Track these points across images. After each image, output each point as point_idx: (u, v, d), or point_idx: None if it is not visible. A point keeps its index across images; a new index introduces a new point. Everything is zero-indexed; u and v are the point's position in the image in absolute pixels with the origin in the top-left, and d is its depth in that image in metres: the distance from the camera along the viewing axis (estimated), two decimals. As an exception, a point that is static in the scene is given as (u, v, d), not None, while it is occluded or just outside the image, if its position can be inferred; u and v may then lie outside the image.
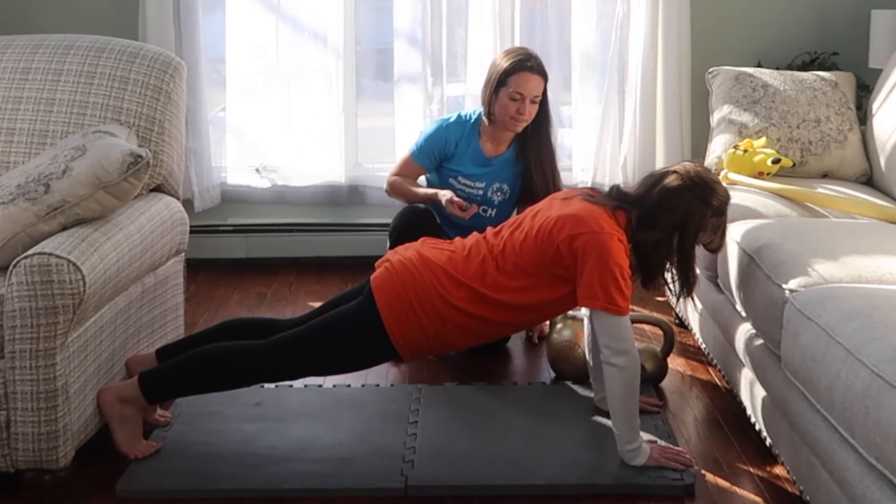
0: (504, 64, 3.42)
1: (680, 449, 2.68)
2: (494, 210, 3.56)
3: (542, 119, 3.51)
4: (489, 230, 2.83)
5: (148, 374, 2.69)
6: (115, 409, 2.66)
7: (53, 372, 2.43)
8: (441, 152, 3.55)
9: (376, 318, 2.66)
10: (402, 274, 2.71)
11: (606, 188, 2.82)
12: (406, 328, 2.67)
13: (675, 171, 2.70)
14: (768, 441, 2.63)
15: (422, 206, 3.53)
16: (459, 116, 3.60)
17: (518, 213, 3.32)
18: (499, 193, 3.55)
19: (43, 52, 3.16)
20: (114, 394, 2.67)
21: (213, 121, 4.58)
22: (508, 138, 3.54)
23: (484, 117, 3.51)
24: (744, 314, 2.75)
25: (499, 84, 3.42)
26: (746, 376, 2.80)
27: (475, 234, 2.84)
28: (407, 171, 3.62)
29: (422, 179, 3.68)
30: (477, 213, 3.48)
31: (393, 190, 3.62)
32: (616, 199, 2.71)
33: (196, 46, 4.42)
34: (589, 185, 4.54)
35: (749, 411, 2.81)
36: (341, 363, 2.75)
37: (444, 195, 3.42)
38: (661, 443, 2.70)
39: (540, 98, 3.44)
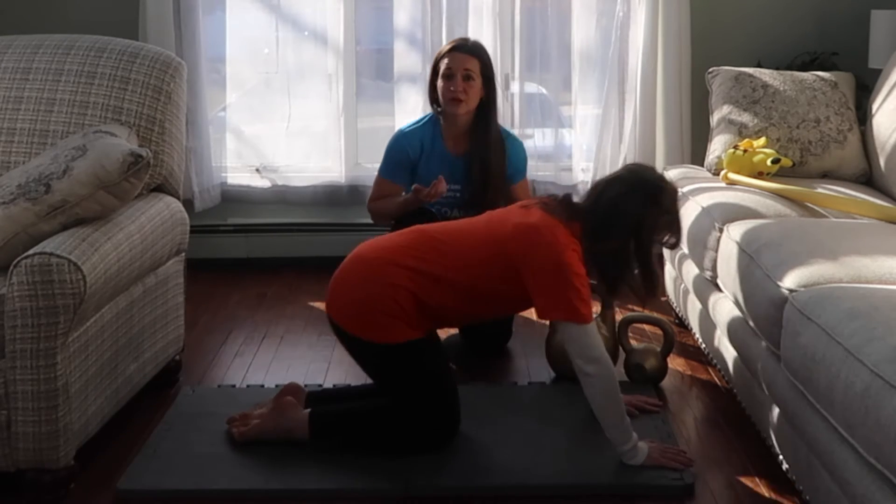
0: (435, 58, 3.56)
1: (680, 449, 2.68)
2: (476, 210, 3.55)
3: (487, 109, 3.51)
4: (436, 227, 2.81)
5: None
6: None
7: (54, 372, 2.43)
8: (407, 160, 3.54)
9: (374, 345, 2.66)
10: (343, 289, 2.72)
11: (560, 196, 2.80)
12: (387, 324, 2.65)
13: (619, 177, 2.71)
14: (768, 441, 2.63)
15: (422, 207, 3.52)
16: (413, 122, 3.64)
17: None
18: None
19: (43, 52, 3.16)
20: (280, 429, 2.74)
21: (213, 121, 4.59)
22: (464, 129, 3.53)
23: (436, 114, 3.56)
24: (744, 314, 2.75)
25: (434, 73, 3.52)
26: (746, 376, 2.80)
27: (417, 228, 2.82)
28: (382, 192, 3.59)
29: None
30: (458, 217, 3.45)
31: (375, 214, 3.61)
32: (569, 210, 2.69)
33: (196, 46, 4.42)
34: (589, 185, 4.54)
35: (749, 411, 2.81)
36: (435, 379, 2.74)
37: (412, 192, 3.40)
38: (659, 443, 2.70)
39: (472, 73, 3.45)
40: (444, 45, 3.63)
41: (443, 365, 2.80)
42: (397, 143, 3.59)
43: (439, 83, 3.49)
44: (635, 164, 2.80)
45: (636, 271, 2.67)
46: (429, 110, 3.58)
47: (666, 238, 2.72)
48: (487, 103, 3.52)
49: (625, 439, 2.60)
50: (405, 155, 3.55)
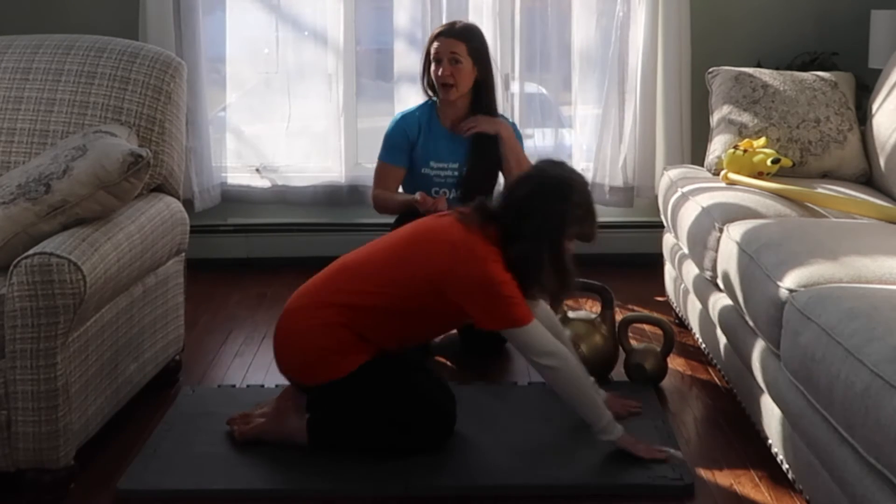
0: (427, 42, 3.60)
1: (659, 449, 2.67)
2: None
3: (482, 89, 3.55)
4: (354, 256, 2.82)
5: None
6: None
7: (54, 372, 2.43)
8: (406, 142, 3.58)
9: (335, 382, 2.67)
10: (283, 348, 2.75)
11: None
12: (337, 361, 2.66)
13: (528, 176, 2.74)
14: (768, 441, 2.63)
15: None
16: (412, 107, 3.70)
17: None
18: None
19: (43, 52, 3.16)
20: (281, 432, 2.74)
21: (213, 121, 4.59)
22: (461, 112, 3.57)
23: (434, 98, 3.61)
24: (744, 314, 2.75)
25: (426, 61, 3.57)
26: (746, 376, 2.80)
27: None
28: (385, 178, 3.62)
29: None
30: (458, 196, 3.52)
31: (378, 204, 3.63)
32: (483, 216, 2.70)
33: (196, 46, 4.42)
34: (588, 185, 4.53)
35: (749, 411, 2.81)
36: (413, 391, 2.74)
37: (415, 197, 3.41)
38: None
39: (458, 56, 3.49)
40: (434, 29, 3.67)
41: (413, 369, 2.78)
42: (395, 125, 3.63)
43: (431, 68, 3.55)
44: (544, 161, 2.81)
45: (550, 270, 2.67)
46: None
47: (580, 232, 2.73)
48: (483, 83, 3.56)
49: (598, 417, 2.63)
50: (403, 136, 3.58)
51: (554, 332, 2.79)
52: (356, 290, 2.69)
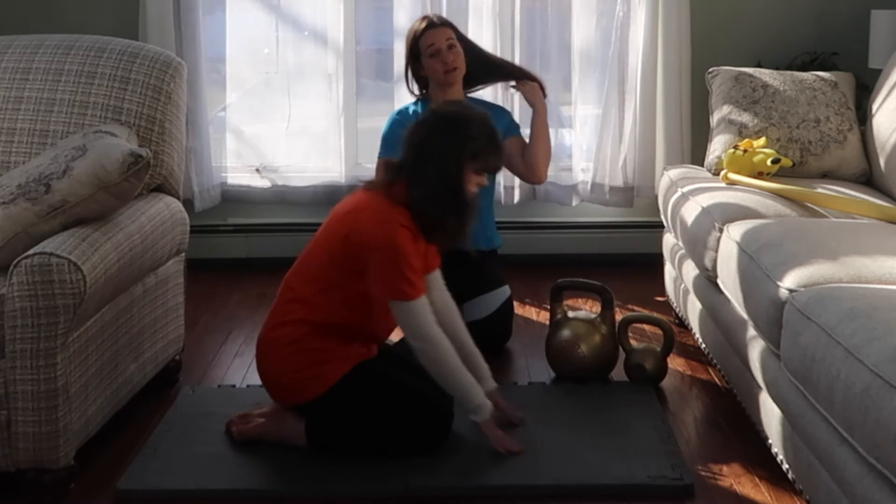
0: (410, 39, 3.62)
1: (515, 444, 2.70)
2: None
3: (474, 69, 3.64)
4: (294, 265, 2.84)
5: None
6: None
7: (54, 372, 2.43)
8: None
9: (323, 396, 2.68)
10: (266, 378, 2.78)
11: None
12: (317, 373, 2.68)
13: (422, 121, 2.76)
14: (768, 441, 2.63)
15: None
16: (406, 104, 3.78)
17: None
18: None
19: (43, 52, 3.16)
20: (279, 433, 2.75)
21: (213, 121, 4.59)
22: (458, 96, 3.63)
23: (426, 90, 3.67)
24: (744, 314, 2.75)
25: (415, 57, 3.61)
26: (746, 376, 2.80)
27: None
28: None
29: None
30: None
31: None
32: (389, 174, 2.74)
33: (196, 46, 4.42)
34: (589, 185, 4.54)
35: (749, 411, 2.81)
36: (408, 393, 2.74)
37: None
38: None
39: (453, 41, 3.58)
40: (413, 28, 3.66)
41: (410, 370, 2.77)
42: (392, 121, 3.69)
43: (428, 63, 3.57)
44: (439, 104, 2.85)
45: (450, 210, 2.68)
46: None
47: (484, 165, 2.72)
48: (472, 65, 3.64)
49: (465, 399, 2.68)
50: (401, 129, 3.57)
51: (447, 319, 2.82)
52: (303, 297, 2.71)
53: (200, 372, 3.38)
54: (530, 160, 3.63)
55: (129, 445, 2.79)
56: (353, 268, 2.66)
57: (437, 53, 3.55)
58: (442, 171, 2.66)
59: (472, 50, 3.68)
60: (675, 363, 3.39)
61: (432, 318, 2.67)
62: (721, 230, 3.03)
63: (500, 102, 4.19)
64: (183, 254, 3.24)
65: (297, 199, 4.61)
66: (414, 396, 2.70)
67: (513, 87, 3.71)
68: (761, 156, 3.43)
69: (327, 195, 4.59)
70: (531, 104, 3.65)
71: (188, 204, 4.09)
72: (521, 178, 3.88)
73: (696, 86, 4.34)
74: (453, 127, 2.69)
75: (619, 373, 3.25)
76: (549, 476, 2.59)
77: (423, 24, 3.62)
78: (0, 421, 2.45)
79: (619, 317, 3.29)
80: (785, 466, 2.50)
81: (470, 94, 3.76)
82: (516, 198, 4.52)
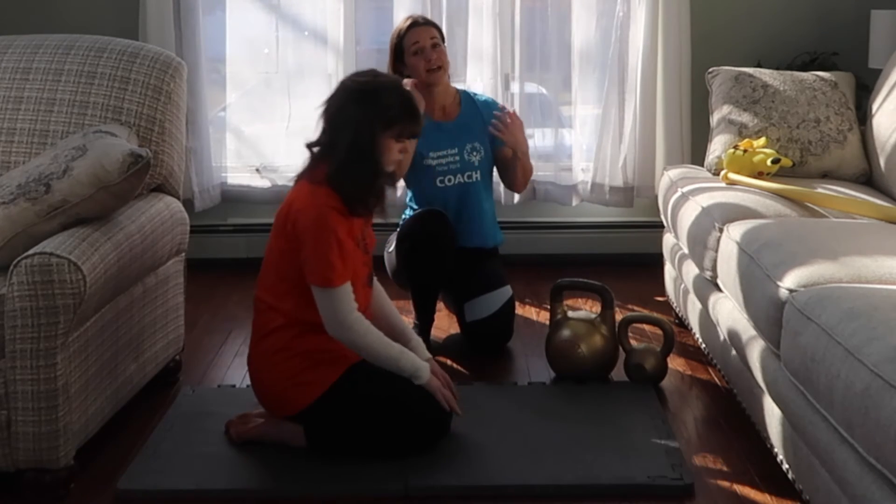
0: (394, 38, 3.62)
1: (450, 396, 2.73)
2: (478, 172, 3.59)
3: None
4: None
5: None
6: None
7: (54, 372, 2.43)
8: None
9: (319, 402, 2.68)
10: (260, 393, 2.78)
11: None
12: (309, 379, 2.68)
13: (333, 94, 2.72)
14: (768, 441, 2.63)
15: (434, 208, 3.50)
16: None
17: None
18: (475, 153, 3.59)
19: (43, 52, 3.16)
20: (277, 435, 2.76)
21: (213, 121, 4.59)
22: (450, 98, 3.62)
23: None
24: (744, 314, 2.75)
25: (398, 56, 3.60)
26: (746, 376, 2.80)
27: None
28: None
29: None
30: (464, 181, 3.55)
31: None
32: (313, 157, 2.72)
33: (196, 46, 4.42)
34: (589, 185, 4.54)
35: (749, 411, 2.81)
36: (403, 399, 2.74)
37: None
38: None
39: (437, 41, 3.56)
40: (397, 27, 3.65)
41: (389, 374, 2.76)
42: None
43: (411, 62, 3.55)
44: (350, 75, 2.82)
45: (367, 180, 2.67)
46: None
47: (400, 131, 2.70)
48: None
49: (401, 368, 2.67)
50: None
51: (383, 313, 2.84)
52: (274, 304, 2.71)
53: (200, 372, 3.38)
54: (510, 182, 3.68)
55: (128, 445, 2.79)
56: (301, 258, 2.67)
57: (421, 51, 3.53)
58: (355, 142, 2.63)
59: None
60: (675, 363, 3.39)
61: (353, 305, 2.65)
62: (721, 230, 3.03)
63: (500, 102, 4.18)
64: (183, 254, 3.24)
65: (297, 199, 4.61)
66: (410, 395, 2.69)
67: (491, 129, 3.55)
68: (761, 156, 3.43)
69: (327, 195, 4.59)
70: (512, 148, 3.54)
71: (188, 204, 4.09)
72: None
73: (696, 86, 4.34)
74: (363, 96, 2.66)
75: (619, 373, 3.25)
76: (548, 476, 2.59)
77: (408, 23, 3.60)
78: (0, 421, 2.45)
79: (619, 317, 3.29)
80: (785, 466, 2.50)
81: (464, 90, 3.76)
82: (516, 197, 4.52)
